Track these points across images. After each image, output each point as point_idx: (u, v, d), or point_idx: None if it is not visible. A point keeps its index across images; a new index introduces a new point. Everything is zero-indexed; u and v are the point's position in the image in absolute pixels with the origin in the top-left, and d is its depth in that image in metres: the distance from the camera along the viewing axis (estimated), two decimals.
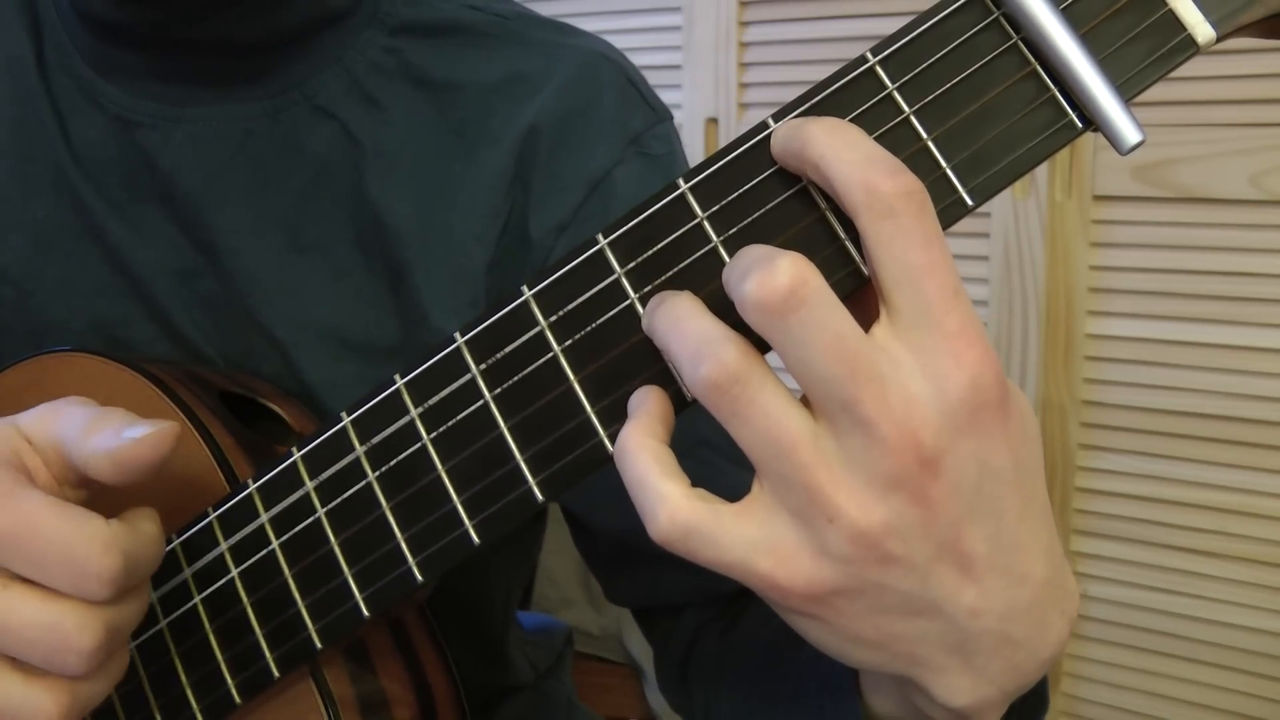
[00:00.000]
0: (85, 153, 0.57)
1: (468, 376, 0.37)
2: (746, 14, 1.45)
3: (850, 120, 0.33)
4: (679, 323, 0.32)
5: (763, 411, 0.30)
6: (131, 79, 0.56)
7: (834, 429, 0.30)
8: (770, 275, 0.29)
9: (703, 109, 1.49)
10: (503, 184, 0.56)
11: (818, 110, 0.33)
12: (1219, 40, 0.30)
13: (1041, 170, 1.26)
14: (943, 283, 0.29)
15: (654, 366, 0.35)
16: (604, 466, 0.36)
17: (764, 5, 1.44)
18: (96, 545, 0.36)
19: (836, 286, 0.32)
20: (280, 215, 0.56)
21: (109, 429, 0.38)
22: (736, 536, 0.31)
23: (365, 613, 0.40)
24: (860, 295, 0.33)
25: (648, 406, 0.34)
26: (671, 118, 0.62)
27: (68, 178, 0.57)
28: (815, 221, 0.33)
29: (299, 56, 0.56)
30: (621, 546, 0.58)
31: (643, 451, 0.32)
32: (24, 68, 0.58)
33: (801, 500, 0.30)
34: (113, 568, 0.36)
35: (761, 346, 0.31)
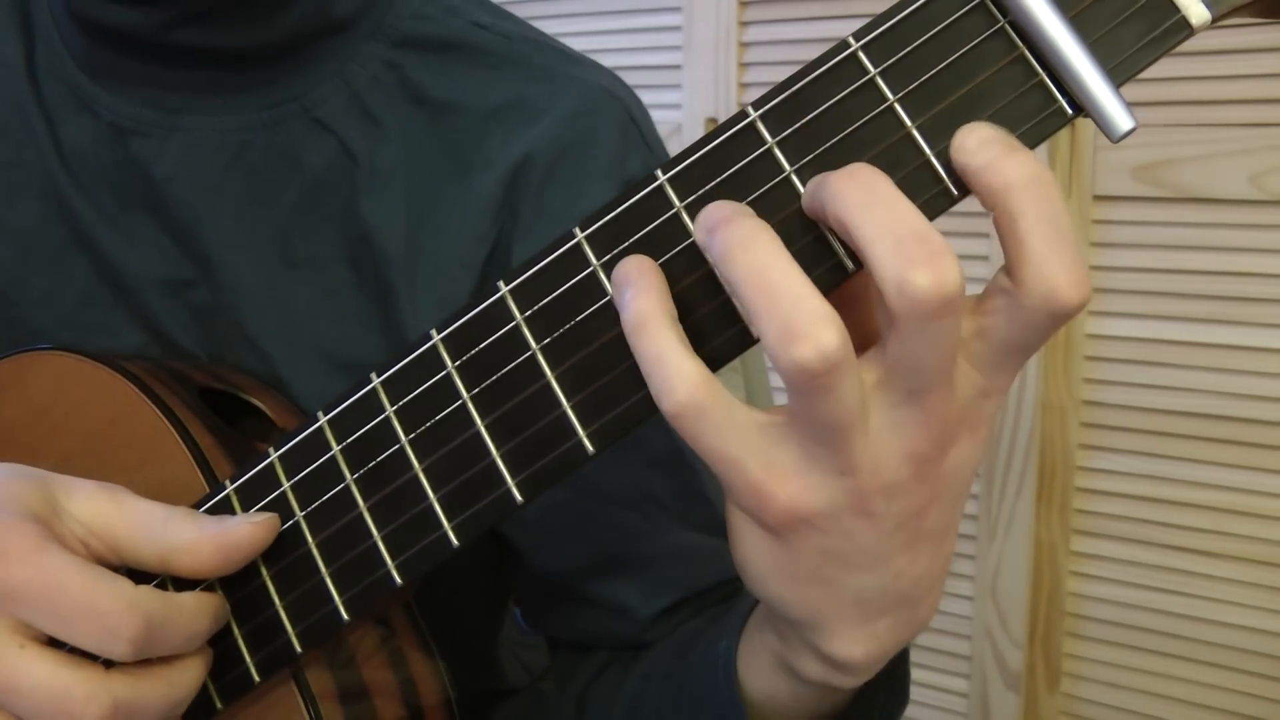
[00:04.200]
0: (75, 159, 0.56)
1: (444, 373, 0.37)
2: (746, 14, 1.44)
3: (831, 107, 0.32)
4: (768, 280, 0.29)
5: (844, 393, 0.30)
6: (127, 85, 0.55)
7: (890, 398, 0.31)
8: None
9: (703, 109, 1.48)
10: (491, 210, 0.55)
11: (799, 97, 0.32)
12: (1214, 22, 0.29)
13: None
14: (945, 379, 0.31)
15: (632, 360, 0.34)
16: (583, 466, 0.35)
17: (764, 5, 1.43)
18: (121, 603, 0.36)
19: (818, 281, 0.31)
20: (273, 229, 0.55)
21: (203, 519, 0.39)
22: (745, 436, 0.31)
23: (345, 616, 0.39)
24: (849, 287, 0.33)
25: (649, 278, 0.33)
26: None
27: (56, 185, 0.56)
28: (794, 212, 0.32)
29: (299, 67, 0.55)
30: (554, 586, 0.57)
31: (661, 326, 0.31)
32: (12, 70, 0.57)
33: (827, 447, 0.31)
34: (135, 625, 0.36)
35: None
